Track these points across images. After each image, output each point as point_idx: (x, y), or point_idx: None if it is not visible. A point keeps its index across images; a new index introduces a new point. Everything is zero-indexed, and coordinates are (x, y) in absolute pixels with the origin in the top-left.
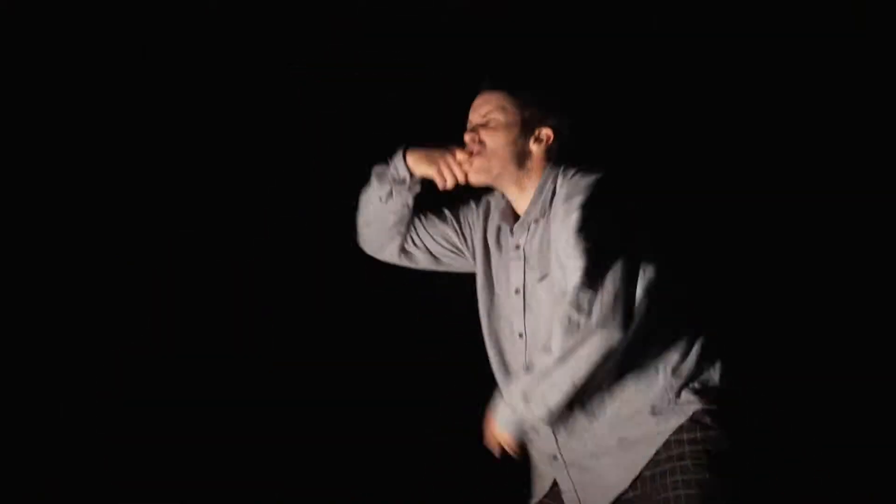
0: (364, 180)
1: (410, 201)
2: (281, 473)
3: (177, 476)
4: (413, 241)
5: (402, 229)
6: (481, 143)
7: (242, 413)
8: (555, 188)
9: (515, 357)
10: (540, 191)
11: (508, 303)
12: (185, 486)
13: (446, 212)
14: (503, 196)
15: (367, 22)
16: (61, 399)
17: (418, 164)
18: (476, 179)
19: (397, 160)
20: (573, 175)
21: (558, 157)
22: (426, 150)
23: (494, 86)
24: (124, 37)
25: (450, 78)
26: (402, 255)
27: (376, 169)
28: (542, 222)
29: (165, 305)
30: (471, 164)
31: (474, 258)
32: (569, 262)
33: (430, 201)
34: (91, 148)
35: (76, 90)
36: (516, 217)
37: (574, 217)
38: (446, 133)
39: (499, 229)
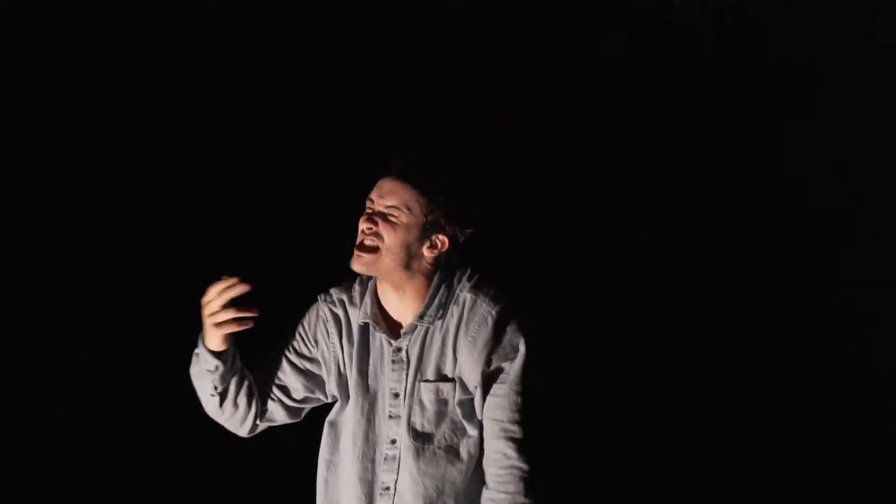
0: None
1: (232, 376)
2: (281, 474)
3: (176, 476)
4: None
5: (254, 406)
6: (377, 235)
7: None
8: (451, 296)
9: (381, 463)
10: (433, 297)
11: (383, 406)
12: (184, 486)
13: (284, 359)
14: (355, 295)
15: (367, 22)
16: (61, 402)
17: (210, 340)
18: (362, 271)
19: (201, 356)
20: (499, 314)
21: (446, 262)
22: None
23: (407, 177)
24: (124, 37)
25: (450, 78)
26: (264, 420)
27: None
28: (431, 327)
29: (165, 305)
30: (360, 257)
31: (332, 369)
32: (512, 427)
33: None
34: (90, 147)
35: (76, 90)
36: (385, 315)
37: (518, 387)
38: (445, 133)
39: (361, 330)
